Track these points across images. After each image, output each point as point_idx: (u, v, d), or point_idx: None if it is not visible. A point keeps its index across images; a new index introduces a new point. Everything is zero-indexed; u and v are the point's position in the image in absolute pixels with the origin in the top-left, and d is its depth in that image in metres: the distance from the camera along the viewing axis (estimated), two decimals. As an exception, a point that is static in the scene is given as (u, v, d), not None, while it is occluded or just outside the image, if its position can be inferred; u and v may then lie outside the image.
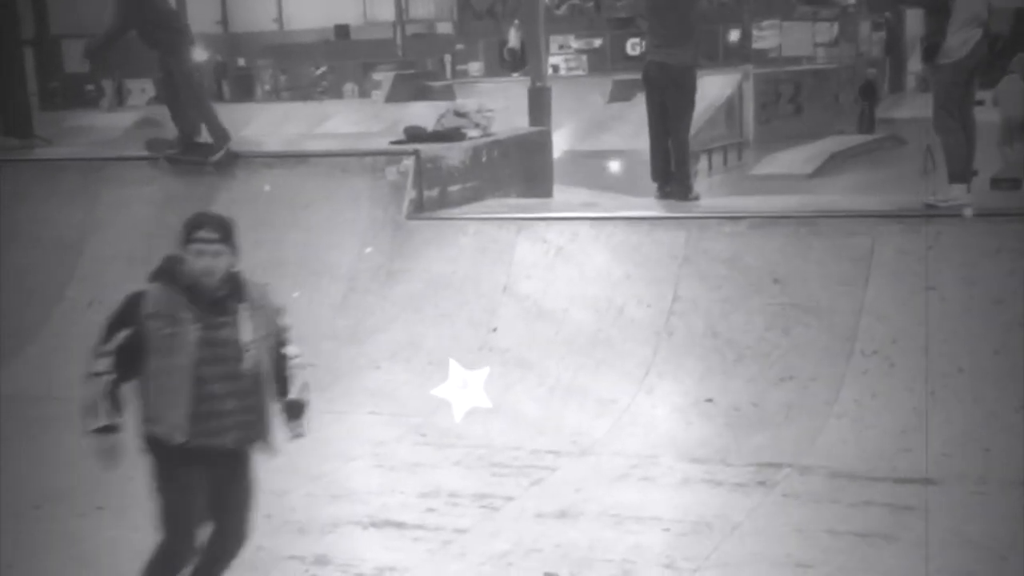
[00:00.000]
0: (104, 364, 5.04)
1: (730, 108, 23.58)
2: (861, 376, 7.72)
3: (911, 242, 8.13)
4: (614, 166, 10.48)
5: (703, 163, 10.14)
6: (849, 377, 7.77)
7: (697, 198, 9.93)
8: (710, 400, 7.94)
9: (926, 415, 7.20)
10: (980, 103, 9.78)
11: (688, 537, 6.45)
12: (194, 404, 5.07)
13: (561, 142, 11.46)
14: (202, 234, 5.18)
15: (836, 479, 7.04)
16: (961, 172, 8.71)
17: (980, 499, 6.65)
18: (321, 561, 6.33)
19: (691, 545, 6.34)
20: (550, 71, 20.50)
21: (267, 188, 10.22)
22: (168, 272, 5.20)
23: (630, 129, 10.27)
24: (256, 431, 5.32)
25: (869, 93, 26.41)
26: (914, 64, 30.12)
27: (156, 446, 5.15)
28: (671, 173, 10.03)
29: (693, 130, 10.41)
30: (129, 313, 5.10)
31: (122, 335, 5.06)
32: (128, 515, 6.93)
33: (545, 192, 11.67)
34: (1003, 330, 7.59)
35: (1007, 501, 6.56)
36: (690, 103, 10.02)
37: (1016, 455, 6.92)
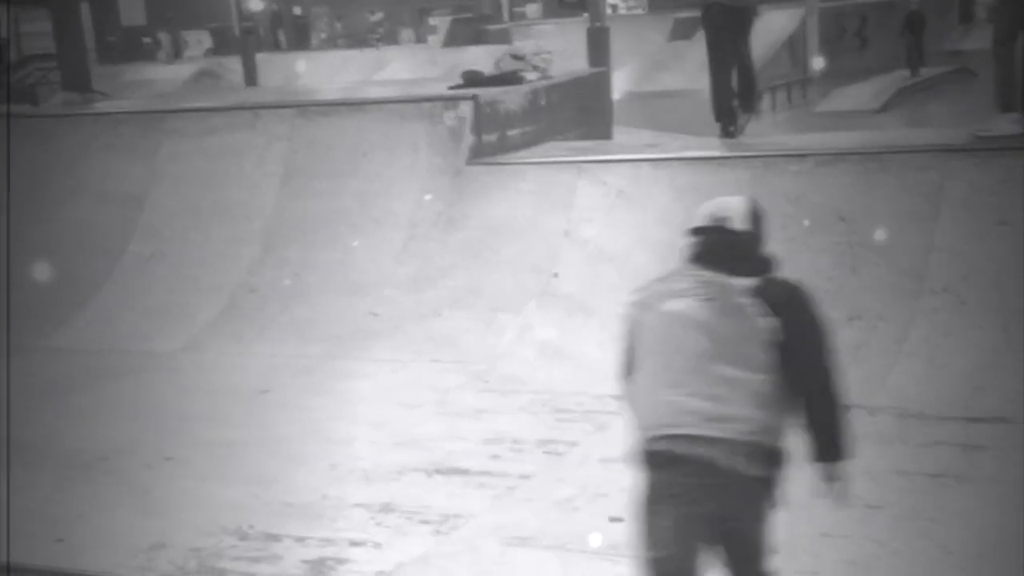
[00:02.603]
0: None
1: (793, 44, 23.17)
2: (931, 314, 7.56)
3: (982, 176, 7.93)
4: (675, 106, 10.34)
5: (767, 101, 9.96)
6: (919, 316, 7.61)
7: (739, 133, 9.78)
8: (773, 341, 7.82)
9: (998, 353, 7.05)
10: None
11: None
12: None
13: (621, 83, 11.35)
14: None
15: (906, 419, 6.92)
16: (1010, 102, 8.51)
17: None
18: (386, 509, 6.32)
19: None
20: (608, 11, 20.28)
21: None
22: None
23: (691, 68, 10.12)
24: None
25: (916, 26, 23.78)
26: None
27: None
28: (734, 112, 9.88)
29: (757, 67, 10.23)
30: None
31: None
32: (195, 465, 6.99)
33: (605, 134, 11.55)
34: (1077, 264, 7.40)
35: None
36: (749, 39, 9.86)
37: None
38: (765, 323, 4.13)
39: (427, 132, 10.03)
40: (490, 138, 10.10)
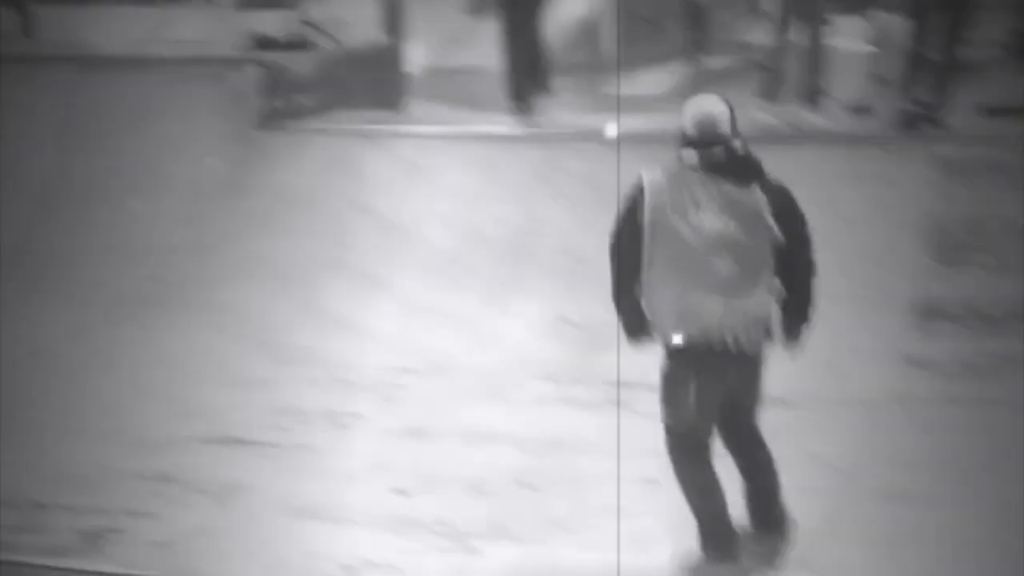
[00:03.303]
0: None
1: (589, 27, 23.45)
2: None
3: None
4: (470, 82, 10.36)
5: (561, 82, 10.12)
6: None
7: (534, 112, 9.86)
8: (566, 319, 7.91)
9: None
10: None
11: (541, 455, 6.43)
12: None
13: (415, 56, 11.30)
14: None
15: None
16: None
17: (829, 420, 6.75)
18: (166, 478, 6.17)
19: (544, 463, 6.32)
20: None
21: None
22: None
23: (486, 45, 10.15)
24: None
25: (696, 16, 24.71)
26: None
27: None
28: (527, 91, 9.94)
29: (550, 47, 10.36)
30: None
31: None
32: None
33: (398, 106, 11.44)
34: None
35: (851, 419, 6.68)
36: (543, 19, 9.96)
37: (863, 375, 7.04)
38: (773, 228, 4.93)
39: (213, 95, 9.80)
40: (278, 104, 9.91)
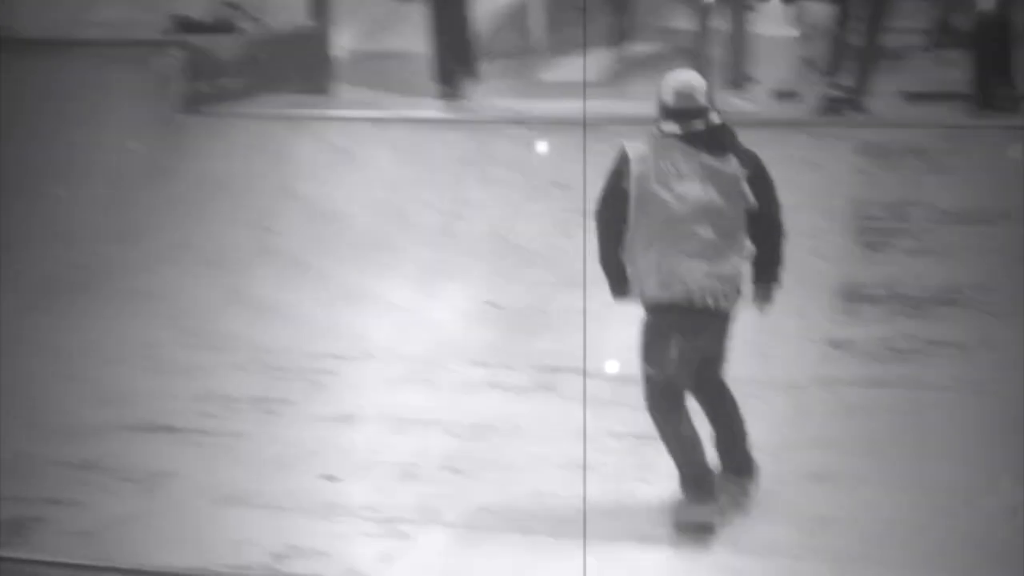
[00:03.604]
0: None
1: (518, 13, 23.42)
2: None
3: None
4: (398, 66, 10.33)
5: (490, 67, 10.10)
6: (632, 281, 7.84)
7: (463, 96, 9.86)
8: (494, 304, 7.91)
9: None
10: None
11: (470, 440, 6.43)
12: None
13: (343, 40, 11.24)
14: None
15: (618, 382, 7.09)
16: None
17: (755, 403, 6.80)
18: (89, 466, 6.10)
19: (473, 448, 6.32)
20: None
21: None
22: None
23: (413, 29, 10.12)
24: None
25: (619, 3, 24.97)
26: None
27: None
28: (455, 75, 9.92)
29: (479, 32, 10.36)
30: None
31: None
32: None
33: (325, 91, 11.36)
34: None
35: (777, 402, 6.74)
36: (472, 4, 9.94)
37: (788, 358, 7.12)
38: (748, 195, 5.34)
39: (135, 78, 9.65)
40: (202, 88, 9.80)
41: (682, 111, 5.33)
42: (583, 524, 5.41)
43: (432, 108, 9.77)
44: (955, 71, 9.31)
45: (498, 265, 8.14)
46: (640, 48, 11.51)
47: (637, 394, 6.80)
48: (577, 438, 6.35)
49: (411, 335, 7.77)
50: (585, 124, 7.60)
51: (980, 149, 8.11)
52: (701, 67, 9.39)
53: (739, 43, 9.96)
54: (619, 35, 11.73)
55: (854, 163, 7.80)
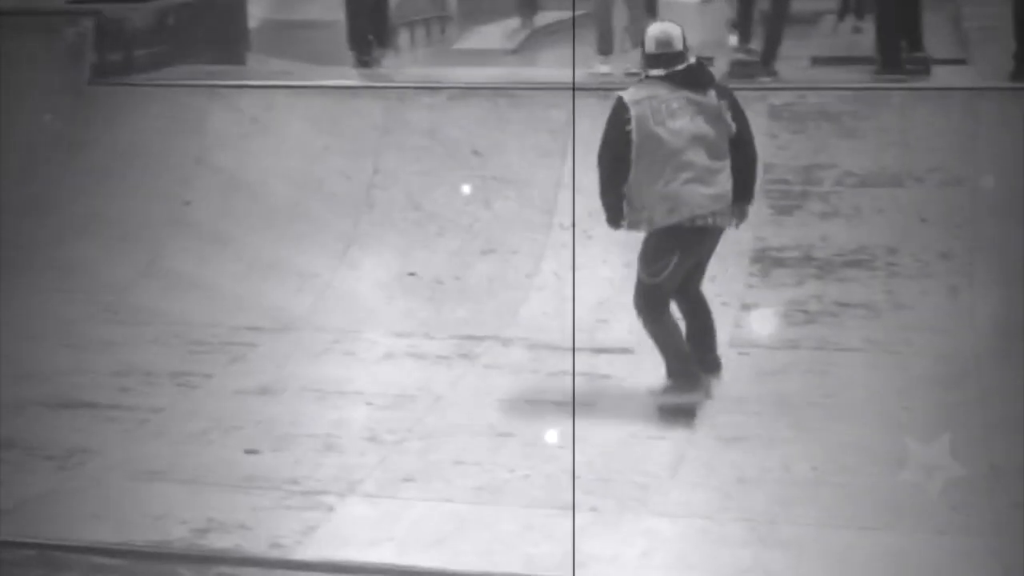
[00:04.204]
0: None
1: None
2: (560, 249, 7.83)
3: (604, 113, 8.24)
4: (313, 36, 10.27)
5: (405, 36, 10.05)
6: (549, 250, 7.89)
7: (378, 65, 9.86)
8: (412, 274, 7.93)
9: (621, 287, 7.36)
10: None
11: (391, 410, 6.44)
12: None
13: (256, 10, 11.15)
14: None
15: (536, 350, 7.16)
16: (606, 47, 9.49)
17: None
18: (6, 444, 6.02)
19: (394, 418, 6.33)
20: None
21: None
22: None
23: (328, -3, 10.13)
24: None
25: None
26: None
27: None
28: (369, 43, 9.89)
29: (395, 2, 10.34)
30: None
31: None
32: None
33: (239, 60, 11.27)
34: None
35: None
36: None
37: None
38: (729, 123, 6.10)
39: (46, 47, 9.53)
40: (115, 57, 9.70)
41: (664, 56, 6.09)
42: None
43: (347, 77, 9.74)
44: (865, 38, 9.43)
45: (416, 234, 8.15)
46: (550, 16, 11.55)
47: (554, 361, 6.93)
48: (496, 405, 6.43)
49: (330, 306, 7.77)
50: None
51: (888, 112, 8.25)
52: (609, 34, 9.50)
53: (649, 9, 10.02)
54: (531, 4, 11.76)
55: (764, 127, 7.88)
